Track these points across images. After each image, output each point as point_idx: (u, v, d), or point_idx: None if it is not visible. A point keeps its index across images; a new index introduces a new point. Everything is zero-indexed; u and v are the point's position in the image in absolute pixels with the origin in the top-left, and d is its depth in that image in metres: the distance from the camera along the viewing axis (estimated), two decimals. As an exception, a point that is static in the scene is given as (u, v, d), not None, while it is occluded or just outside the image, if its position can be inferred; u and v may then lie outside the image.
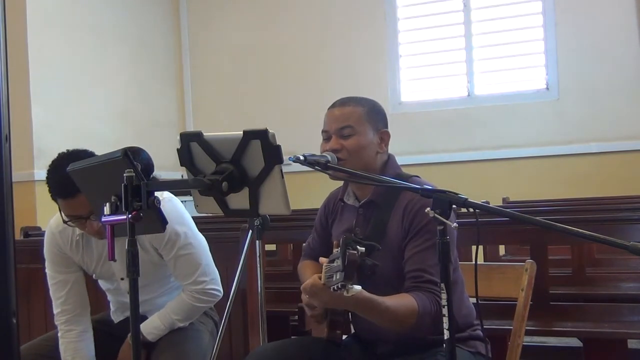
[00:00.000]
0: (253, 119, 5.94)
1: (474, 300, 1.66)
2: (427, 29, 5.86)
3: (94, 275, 2.28)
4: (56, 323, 2.23)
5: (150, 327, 2.17)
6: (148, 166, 1.97)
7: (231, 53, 6.34)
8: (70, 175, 1.74)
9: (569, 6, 5.40)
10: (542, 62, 5.53)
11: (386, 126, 1.88)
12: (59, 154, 2.03)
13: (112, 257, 1.54)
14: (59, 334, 2.21)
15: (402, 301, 1.63)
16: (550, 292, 2.79)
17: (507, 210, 1.54)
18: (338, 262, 1.40)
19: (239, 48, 6.31)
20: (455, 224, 1.40)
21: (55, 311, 2.24)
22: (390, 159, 1.89)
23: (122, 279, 2.20)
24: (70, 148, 2.06)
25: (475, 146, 5.56)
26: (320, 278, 1.50)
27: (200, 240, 2.21)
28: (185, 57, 6.48)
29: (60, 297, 2.22)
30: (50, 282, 2.25)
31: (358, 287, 1.39)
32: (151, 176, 1.88)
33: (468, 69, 5.73)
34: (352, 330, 1.97)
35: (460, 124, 5.64)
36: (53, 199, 2.02)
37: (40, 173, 2.06)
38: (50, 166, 2.01)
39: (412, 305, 1.62)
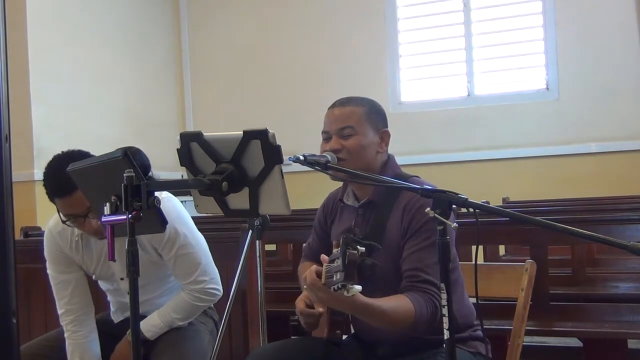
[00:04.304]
0: (253, 118, 5.94)
1: (474, 300, 1.66)
2: (427, 29, 5.86)
3: (93, 276, 2.28)
4: (62, 324, 2.23)
5: (150, 325, 2.17)
6: (144, 167, 1.97)
7: (231, 53, 6.34)
8: (71, 176, 1.75)
9: (569, 6, 5.40)
10: (542, 62, 5.53)
11: (386, 126, 1.88)
12: (54, 156, 2.04)
13: (112, 257, 1.54)
14: (66, 335, 2.21)
15: (398, 303, 1.63)
16: (550, 292, 2.79)
17: (507, 210, 1.54)
18: (338, 262, 1.39)
19: (239, 48, 6.31)
20: (455, 224, 1.40)
21: (59, 312, 2.23)
22: (390, 159, 1.89)
23: (121, 279, 2.21)
24: (70, 148, 2.07)
25: (475, 146, 5.56)
26: (318, 273, 1.51)
27: (200, 240, 2.21)
28: (185, 57, 6.47)
29: (64, 297, 2.22)
30: (52, 282, 2.25)
31: (358, 287, 1.39)
32: (148, 176, 1.88)
33: (468, 69, 5.73)
34: (352, 330, 1.97)
35: (460, 124, 5.64)
36: (50, 199, 2.03)
37: (40, 173, 2.06)
38: (46, 168, 2.02)
39: (409, 308, 1.62)
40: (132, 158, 1.51)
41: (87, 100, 5.24)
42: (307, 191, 3.81)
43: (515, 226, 2.85)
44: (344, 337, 1.90)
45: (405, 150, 5.23)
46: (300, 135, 4.49)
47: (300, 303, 1.83)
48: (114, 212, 1.49)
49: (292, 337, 2.96)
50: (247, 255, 2.11)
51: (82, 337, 2.20)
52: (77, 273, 2.25)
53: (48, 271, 2.25)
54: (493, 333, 2.17)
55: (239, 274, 2.08)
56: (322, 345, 1.83)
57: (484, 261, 3.21)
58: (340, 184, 1.96)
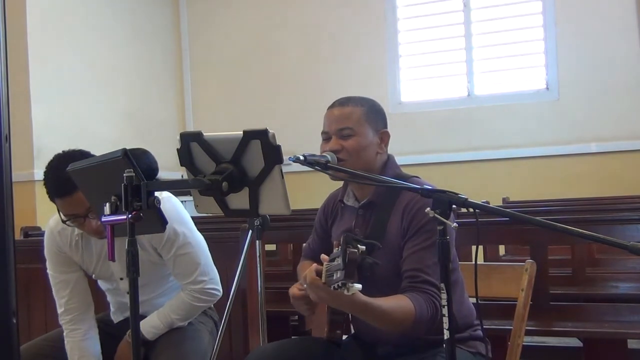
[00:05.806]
0: (253, 118, 5.94)
1: (474, 300, 1.66)
2: (427, 29, 5.86)
3: (93, 276, 2.28)
4: (60, 322, 2.23)
5: (149, 326, 2.17)
6: (151, 169, 1.97)
7: (231, 53, 6.34)
8: (71, 176, 1.75)
9: (569, 6, 5.40)
10: (542, 62, 5.53)
11: (386, 126, 1.88)
12: (55, 156, 2.04)
13: (112, 257, 1.54)
14: (64, 334, 2.21)
15: (398, 303, 1.63)
16: (550, 292, 2.79)
17: (507, 210, 1.54)
18: (338, 261, 1.40)
19: (239, 48, 6.31)
20: (455, 224, 1.40)
21: (59, 311, 2.24)
22: (389, 159, 1.89)
23: (121, 279, 2.20)
24: (70, 148, 2.07)
25: (475, 146, 5.56)
26: (318, 271, 1.51)
27: (199, 240, 2.20)
28: (185, 57, 6.48)
29: (64, 297, 2.22)
30: (52, 282, 2.25)
31: (359, 286, 1.39)
32: (155, 179, 1.89)
33: (468, 69, 5.73)
34: (352, 330, 1.97)
35: (460, 124, 5.64)
36: (51, 199, 2.03)
37: (40, 173, 2.06)
38: (46, 167, 2.02)
39: (409, 308, 1.62)
40: (132, 158, 1.51)
41: (87, 100, 5.23)
42: (307, 191, 3.81)
43: (515, 226, 2.85)
44: (344, 337, 1.89)
45: (405, 150, 5.23)
46: (300, 135, 4.49)
47: (293, 289, 1.78)
48: (114, 212, 1.49)
49: (292, 337, 2.96)
50: (247, 255, 2.11)
51: (80, 335, 2.20)
52: (77, 273, 2.25)
53: (48, 271, 2.25)
54: (493, 333, 2.18)
55: (239, 274, 2.08)
56: (322, 345, 1.83)
57: (484, 261, 3.20)
58: (341, 184, 1.96)
